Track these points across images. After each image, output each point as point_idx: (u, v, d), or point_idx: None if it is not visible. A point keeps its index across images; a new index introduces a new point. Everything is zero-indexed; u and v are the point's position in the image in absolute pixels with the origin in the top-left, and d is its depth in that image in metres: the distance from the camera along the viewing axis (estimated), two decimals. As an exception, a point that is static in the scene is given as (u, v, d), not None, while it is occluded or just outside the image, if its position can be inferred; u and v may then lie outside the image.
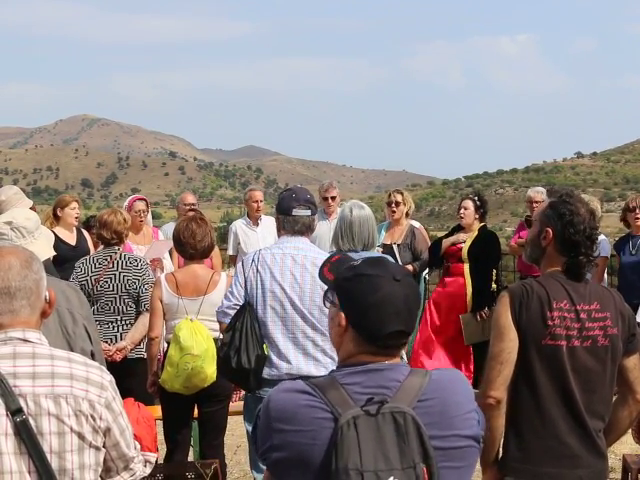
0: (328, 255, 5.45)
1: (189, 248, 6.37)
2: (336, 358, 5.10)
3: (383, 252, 9.36)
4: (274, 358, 5.18)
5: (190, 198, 10.69)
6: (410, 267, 9.54)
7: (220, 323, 5.42)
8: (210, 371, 6.02)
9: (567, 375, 3.74)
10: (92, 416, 2.81)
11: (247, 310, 5.20)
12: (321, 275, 2.91)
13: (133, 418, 5.97)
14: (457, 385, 2.65)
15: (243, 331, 5.14)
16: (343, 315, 2.63)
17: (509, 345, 3.74)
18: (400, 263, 9.22)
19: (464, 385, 2.68)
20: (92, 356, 4.24)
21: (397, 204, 9.92)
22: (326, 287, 2.79)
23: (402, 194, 10.09)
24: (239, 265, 5.49)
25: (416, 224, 10.22)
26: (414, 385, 2.55)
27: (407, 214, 10.08)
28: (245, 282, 5.27)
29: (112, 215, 7.34)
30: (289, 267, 5.22)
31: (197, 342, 6.02)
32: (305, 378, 5.03)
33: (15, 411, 2.70)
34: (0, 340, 2.80)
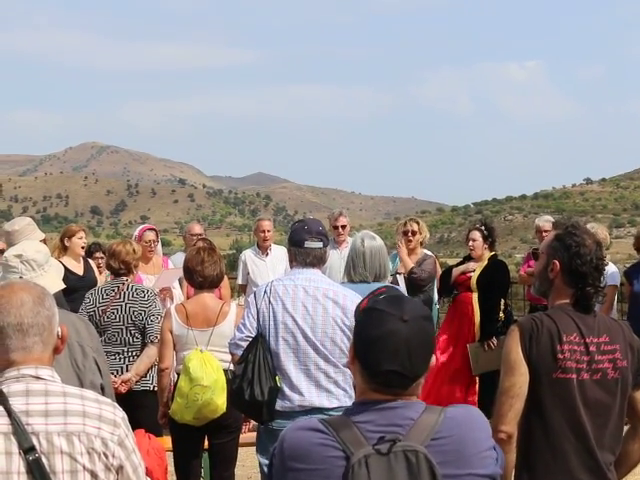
0: (339, 286, 5.48)
1: (198, 277, 6.39)
2: (349, 390, 5.12)
3: (392, 282, 9.34)
4: (286, 390, 5.16)
5: (197, 228, 10.69)
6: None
7: (232, 355, 5.40)
8: (220, 402, 6.01)
9: (578, 408, 3.73)
10: (105, 454, 2.79)
11: (259, 342, 5.18)
12: (357, 307, 2.89)
13: (144, 449, 5.99)
14: (474, 423, 2.62)
15: (256, 363, 5.12)
16: (353, 347, 2.66)
17: (520, 379, 3.73)
18: (405, 292, 9.21)
19: (481, 422, 2.65)
20: (102, 389, 4.24)
21: (413, 233, 9.88)
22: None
23: (418, 223, 10.06)
24: (251, 297, 5.48)
25: (429, 253, 10.17)
26: (428, 423, 2.53)
27: (422, 243, 10.07)
28: (257, 314, 5.26)
29: (121, 245, 7.37)
30: (301, 299, 5.21)
31: (207, 373, 6.02)
32: (318, 410, 5.06)
33: (28, 449, 2.69)
34: (13, 377, 2.79)
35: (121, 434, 2.85)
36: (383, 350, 2.55)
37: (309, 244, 5.31)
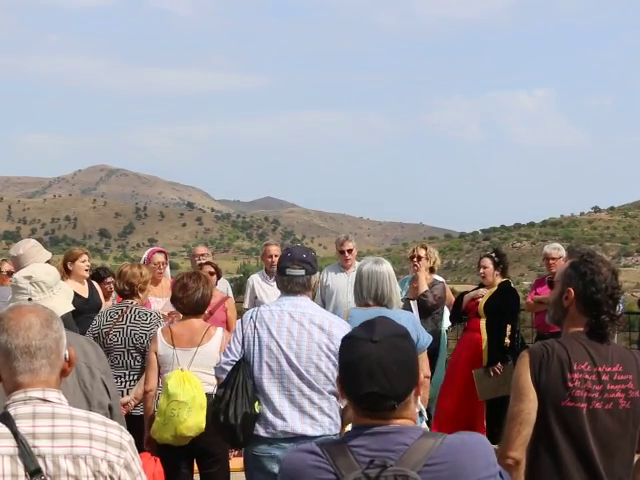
0: (326, 312, 5.49)
1: (179, 303, 6.47)
2: (335, 417, 5.12)
3: (403, 307, 9.33)
4: (269, 416, 5.13)
5: (201, 249, 10.75)
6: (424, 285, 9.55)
7: (217, 379, 5.39)
8: (198, 419, 6.02)
9: (587, 437, 3.71)
10: (111, 477, 2.79)
11: (241, 366, 5.18)
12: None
13: (149, 473, 5.97)
14: (475, 449, 2.60)
15: (234, 387, 5.11)
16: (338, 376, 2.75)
17: (528, 406, 3.72)
18: (418, 318, 9.20)
19: (483, 449, 2.63)
20: (110, 410, 4.24)
21: (419, 258, 9.89)
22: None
23: (426, 249, 10.05)
24: (238, 322, 5.49)
25: (439, 278, 10.17)
26: (422, 449, 2.54)
27: (432, 269, 10.07)
28: (243, 338, 5.26)
29: (129, 267, 7.40)
30: (286, 324, 5.20)
31: (184, 390, 6.03)
32: (301, 437, 5.05)
33: (34, 472, 2.68)
34: (20, 400, 2.79)
35: (127, 457, 2.85)
36: (359, 374, 2.59)
37: (290, 271, 5.32)
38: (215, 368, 5.41)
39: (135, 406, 6.89)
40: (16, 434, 2.71)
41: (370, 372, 2.57)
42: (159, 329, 6.54)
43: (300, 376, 5.13)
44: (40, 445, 2.72)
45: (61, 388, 2.91)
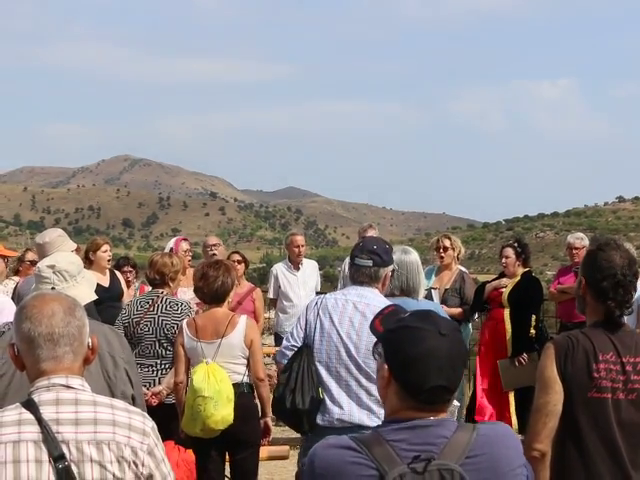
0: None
1: (199, 292, 6.47)
2: None
3: (426, 297, 9.30)
4: (327, 403, 5.14)
5: (213, 239, 10.67)
6: (458, 310, 9.51)
7: (277, 363, 5.44)
8: (225, 413, 6.02)
9: (612, 428, 3.70)
10: (134, 462, 2.80)
11: (305, 352, 5.20)
12: (372, 327, 2.87)
13: (173, 461, 6.00)
14: (506, 440, 2.61)
15: (299, 372, 5.13)
16: (387, 367, 2.60)
17: (554, 397, 3.71)
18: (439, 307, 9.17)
19: (513, 440, 2.64)
20: (133, 400, 4.25)
21: (445, 249, 9.88)
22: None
23: (450, 239, 10.03)
24: (303, 308, 5.50)
25: (463, 269, 10.15)
26: (462, 441, 2.51)
27: (458, 258, 10.05)
28: (305, 325, 5.27)
29: (160, 257, 7.42)
30: (349, 314, 5.19)
31: (209, 384, 6.02)
32: (357, 427, 5.01)
33: (57, 457, 2.71)
34: (43, 386, 2.81)
35: (150, 443, 2.86)
36: (428, 367, 2.52)
37: (358, 261, 5.31)
38: (276, 352, 5.47)
39: (167, 395, 6.91)
40: (40, 420, 2.73)
41: (440, 366, 2.52)
42: (184, 321, 6.53)
43: (358, 367, 5.13)
44: (64, 431, 2.74)
45: (85, 377, 2.92)
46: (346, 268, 10.23)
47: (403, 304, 5.92)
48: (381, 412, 5.07)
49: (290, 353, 5.23)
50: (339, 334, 5.16)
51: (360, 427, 5.04)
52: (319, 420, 5.16)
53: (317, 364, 5.18)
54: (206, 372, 6.08)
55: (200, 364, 6.17)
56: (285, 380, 5.19)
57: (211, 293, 6.39)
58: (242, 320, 6.38)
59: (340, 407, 5.12)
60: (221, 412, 5.99)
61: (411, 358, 2.54)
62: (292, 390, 5.12)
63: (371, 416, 5.11)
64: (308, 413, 5.12)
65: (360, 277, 5.30)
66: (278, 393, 5.25)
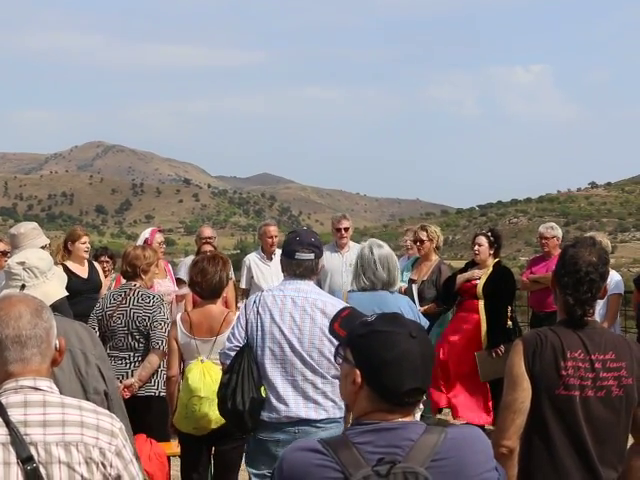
0: (329, 296, 5.45)
1: (198, 287, 6.40)
2: (338, 401, 5.07)
3: (406, 289, 9.35)
4: (273, 401, 5.14)
5: (207, 232, 10.67)
6: (432, 305, 9.55)
7: (222, 364, 5.41)
8: (219, 413, 6.01)
9: (580, 425, 3.71)
10: (102, 464, 2.80)
11: (246, 352, 5.18)
12: (332, 330, 2.88)
13: (145, 455, 6.00)
14: (475, 443, 2.61)
15: (240, 373, 5.12)
16: (358, 372, 2.60)
17: (522, 394, 3.73)
18: (417, 301, 9.23)
19: (483, 443, 2.64)
20: (105, 395, 4.25)
21: (421, 242, 9.90)
22: (332, 338, 2.77)
23: (426, 230, 10.04)
24: (242, 307, 5.50)
25: (441, 260, 10.17)
26: (428, 444, 2.52)
27: (437, 248, 10.08)
28: (246, 324, 5.26)
29: (133, 249, 7.40)
30: (289, 309, 5.19)
31: (205, 384, 6.00)
32: (305, 422, 5.04)
33: (26, 459, 2.70)
34: (11, 388, 2.80)
35: (119, 444, 2.86)
36: (403, 370, 2.54)
37: (299, 255, 5.29)
38: (220, 353, 5.42)
39: (140, 387, 6.90)
40: (8, 422, 2.72)
41: (415, 368, 2.55)
42: (178, 316, 6.50)
43: (303, 361, 5.14)
44: (32, 433, 2.74)
45: (57, 375, 2.93)
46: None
47: (381, 298, 5.99)
48: (328, 404, 5.13)
49: (233, 353, 5.21)
50: (281, 330, 5.16)
51: (307, 421, 5.10)
52: (265, 417, 5.15)
53: (260, 362, 5.17)
54: (201, 371, 6.06)
55: (195, 362, 6.15)
56: (226, 380, 5.18)
57: (209, 289, 6.36)
58: (236, 318, 6.36)
59: (286, 404, 5.12)
60: (215, 412, 5.97)
61: (386, 363, 2.55)
62: (233, 391, 5.11)
63: (318, 409, 5.13)
64: (250, 413, 5.11)
65: (302, 271, 5.29)
66: (220, 394, 5.24)
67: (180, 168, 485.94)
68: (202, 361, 6.12)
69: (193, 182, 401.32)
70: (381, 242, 6.39)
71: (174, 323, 6.42)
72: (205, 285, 6.35)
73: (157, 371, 7.01)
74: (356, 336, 2.65)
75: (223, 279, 6.42)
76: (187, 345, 6.28)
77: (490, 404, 9.49)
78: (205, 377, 6.03)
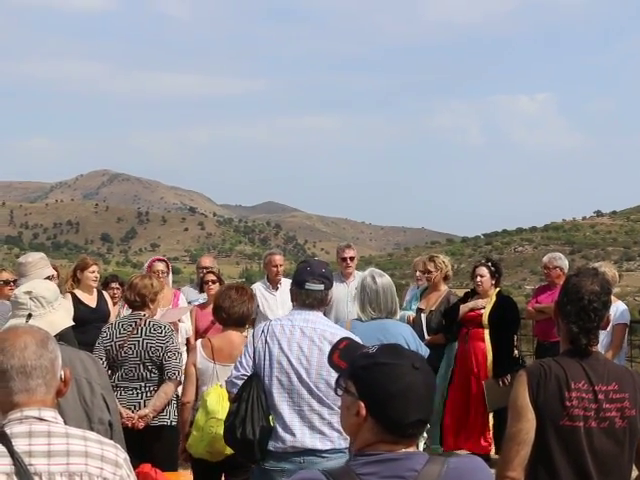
0: (337, 328, 5.46)
1: (223, 314, 6.48)
2: (343, 431, 5.04)
3: (415, 318, 9.39)
4: (280, 431, 5.14)
5: (206, 261, 10.68)
6: (440, 335, 9.55)
7: (229, 393, 5.41)
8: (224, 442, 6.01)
9: (585, 456, 3.71)
10: (106, 494, 2.80)
11: (254, 381, 5.19)
12: (331, 362, 2.87)
13: (148, 484, 5.97)
14: (477, 474, 2.61)
15: (249, 402, 5.12)
16: (362, 405, 2.60)
17: (526, 426, 3.72)
18: (425, 330, 9.26)
19: (485, 473, 2.64)
20: (110, 426, 4.25)
21: (429, 272, 9.92)
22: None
23: (434, 261, 10.02)
24: (250, 336, 5.52)
25: (450, 290, 10.18)
26: (432, 474, 2.52)
27: (446, 277, 10.08)
28: (254, 353, 5.27)
29: (140, 278, 7.42)
30: (297, 339, 5.21)
31: (223, 407, 5.99)
32: (311, 452, 5.03)
33: None
34: (16, 419, 2.81)
35: (123, 474, 2.88)
36: (408, 402, 2.55)
37: (310, 285, 5.31)
38: (226, 382, 5.42)
39: (153, 418, 6.91)
40: (12, 453, 2.73)
41: (419, 399, 2.56)
42: (199, 342, 6.56)
43: (310, 392, 5.14)
44: (36, 463, 2.74)
45: (62, 404, 2.93)
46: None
47: (384, 326, 6.04)
48: (334, 435, 5.12)
49: (240, 382, 5.22)
50: (289, 360, 5.17)
51: (312, 451, 5.09)
52: (271, 447, 5.15)
53: (268, 392, 5.17)
54: (220, 394, 6.08)
55: (213, 387, 6.19)
56: (235, 409, 5.18)
57: (235, 317, 6.47)
58: (244, 346, 6.40)
59: (293, 434, 5.12)
60: None
61: (391, 395, 2.56)
62: (242, 420, 5.11)
63: (324, 440, 5.13)
64: (259, 443, 5.11)
65: (311, 301, 5.32)
66: (228, 422, 5.24)
67: (185, 196, 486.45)
68: (221, 386, 6.14)
69: (198, 210, 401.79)
70: (380, 271, 6.49)
71: (193, 349, 6.48)
72: (231, 312, 6.45)
73: (169, 401, 7.01)
74: (359, 368, 2.65)
75: (250, 311, 6.55)
76: (205, 370, 6.33)
77: (489, 435, 9.48)
78: (223, 401, 6.03)
